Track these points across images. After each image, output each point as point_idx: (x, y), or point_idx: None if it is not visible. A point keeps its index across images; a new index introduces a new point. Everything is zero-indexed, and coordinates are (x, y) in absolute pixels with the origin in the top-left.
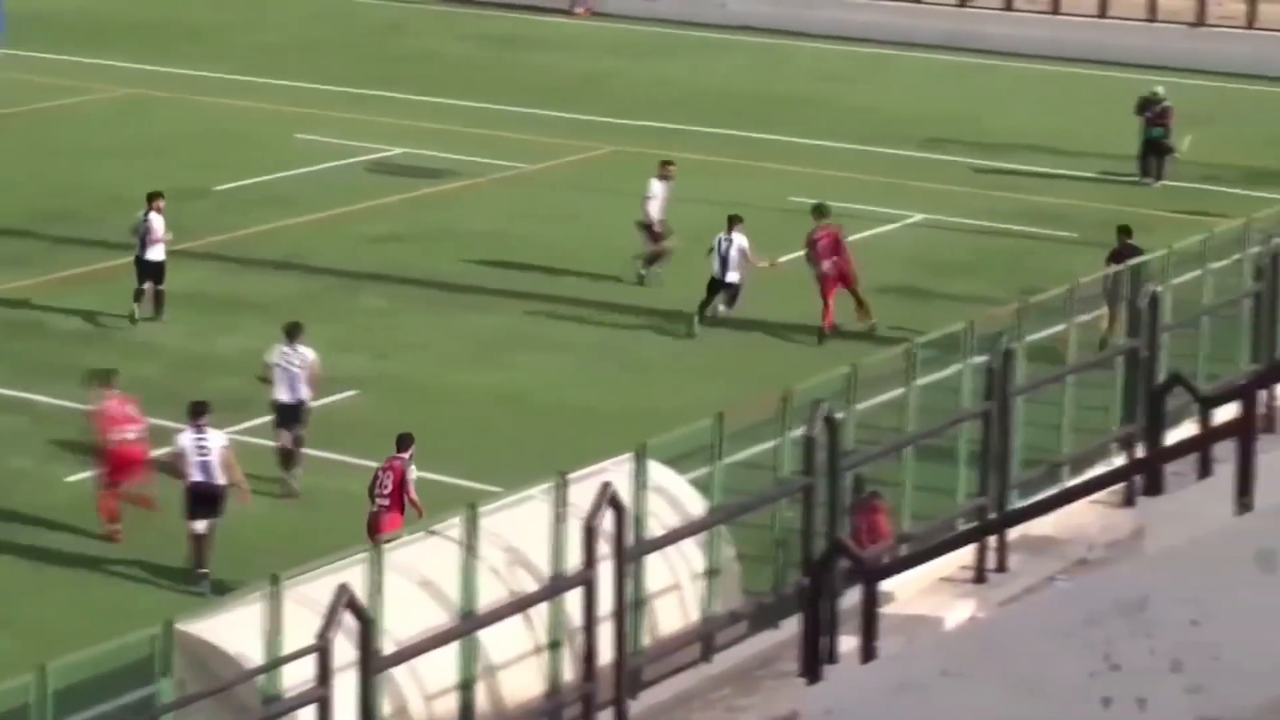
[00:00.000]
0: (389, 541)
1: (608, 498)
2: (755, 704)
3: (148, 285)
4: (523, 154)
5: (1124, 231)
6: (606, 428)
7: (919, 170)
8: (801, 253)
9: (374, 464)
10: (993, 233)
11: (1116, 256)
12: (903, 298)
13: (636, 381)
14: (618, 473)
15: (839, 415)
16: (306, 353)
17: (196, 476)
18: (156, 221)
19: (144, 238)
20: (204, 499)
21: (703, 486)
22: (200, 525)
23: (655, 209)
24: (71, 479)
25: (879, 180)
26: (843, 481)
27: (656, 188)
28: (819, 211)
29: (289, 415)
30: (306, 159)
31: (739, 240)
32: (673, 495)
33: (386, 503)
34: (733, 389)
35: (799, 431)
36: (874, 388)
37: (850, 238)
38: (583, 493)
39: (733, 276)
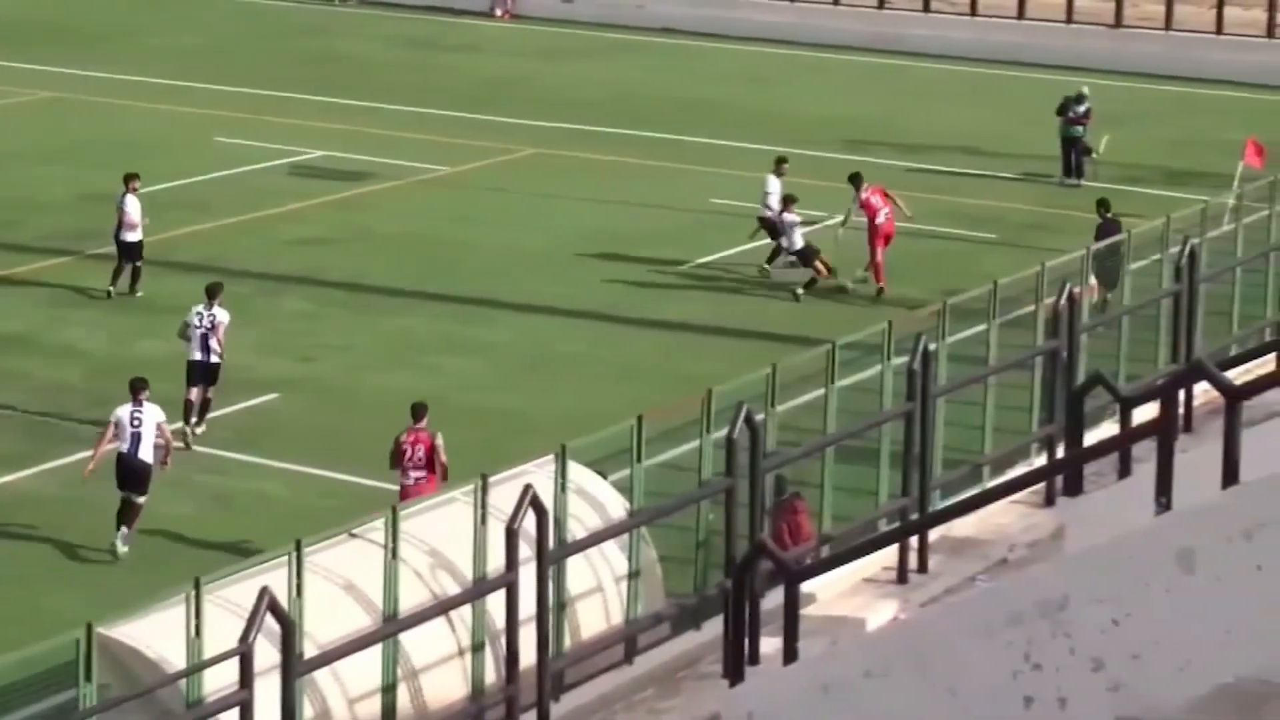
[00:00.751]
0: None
1: (529, 500)
2: (678, 705)
3: (126, 265)
4: (443, 156)
5: (1103, 205)
6: (527, 430)
7: (841, 172)
8: (744, 249)
9: (295, 467)
10: (914, 233)
11: (1102, 233)
12: (824, 299)
13: (556, 384)
14: (539, 475)
15: (760, 416)
16: (220, 313)
17: (125, 447)
18: (131, 204)
19: (120, 219)
20: (131, 472)
21: (624, 488)
22: (139, 499)
23: (775, 203)
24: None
25: (800, 182)
26: (764, 483)
27: (774, 184)
28: (858, 179)
29: (200, 373)
30: (226, 162)
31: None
32: (594, 497)
33: (423, 474)
34: (653, 390)
35: (720, 433)
36: (795, 389)
37: (770, 240)
38: (504, 495)
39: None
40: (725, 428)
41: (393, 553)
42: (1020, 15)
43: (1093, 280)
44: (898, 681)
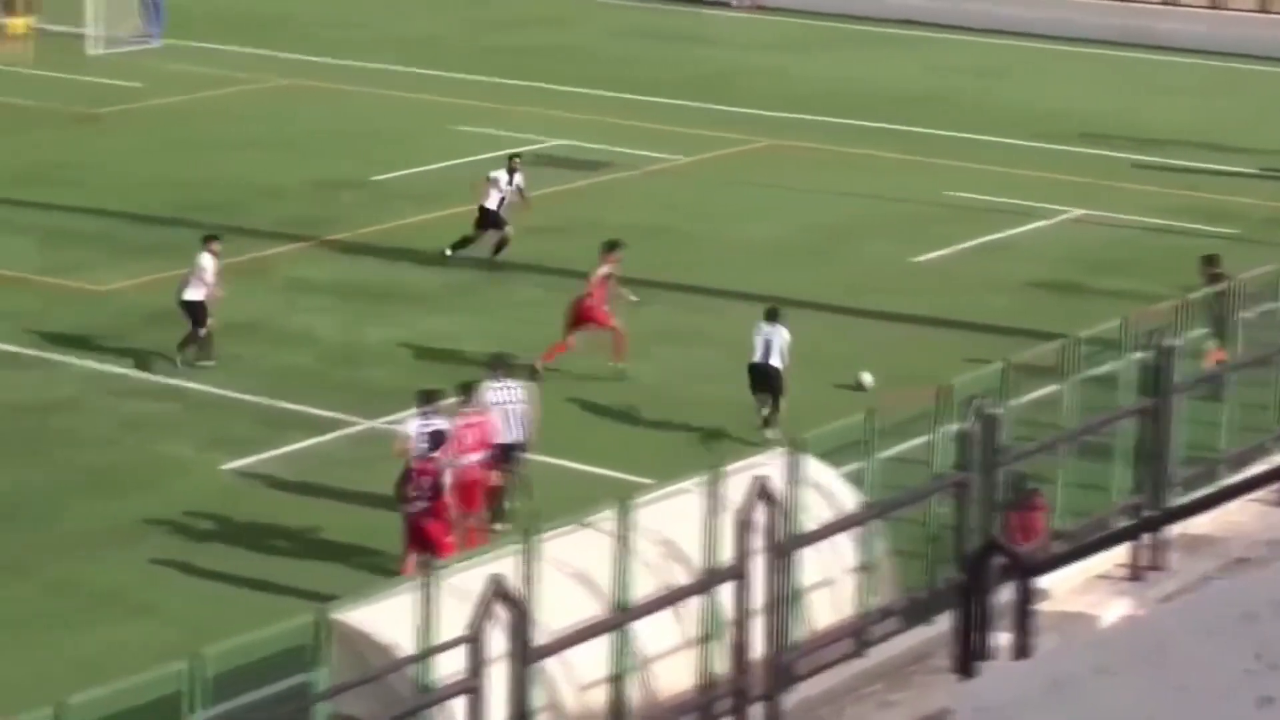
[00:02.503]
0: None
1: (762, 491)
2: (907, 699)
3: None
4: (679, 146)
5: (1210, 261)
6: (756, 420)
7: (1077, 165)
8: (980, 241)
9: (527, 456)
10: (1152, 229)
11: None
12: (1060, 293)
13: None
14: (771, 467)
15: (994, 411)
16: (520, 389)
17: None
18: (206, 262)
19: (190, 276)
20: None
21: (856, 481)
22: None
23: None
24: (227, 466)
25: (1037, 175)
26: (998, 477)
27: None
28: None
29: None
30: (462, 151)
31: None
32: (827, 490)
33: (426, 505)
34: (883, 384)
35: (953, 427)
36: (1028, 384)
37: (1007, 233)
38: (736, 486)
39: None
40: (958, 422)
41: (624, 542)
42: (1262, 9)
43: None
44: (1129, 679)
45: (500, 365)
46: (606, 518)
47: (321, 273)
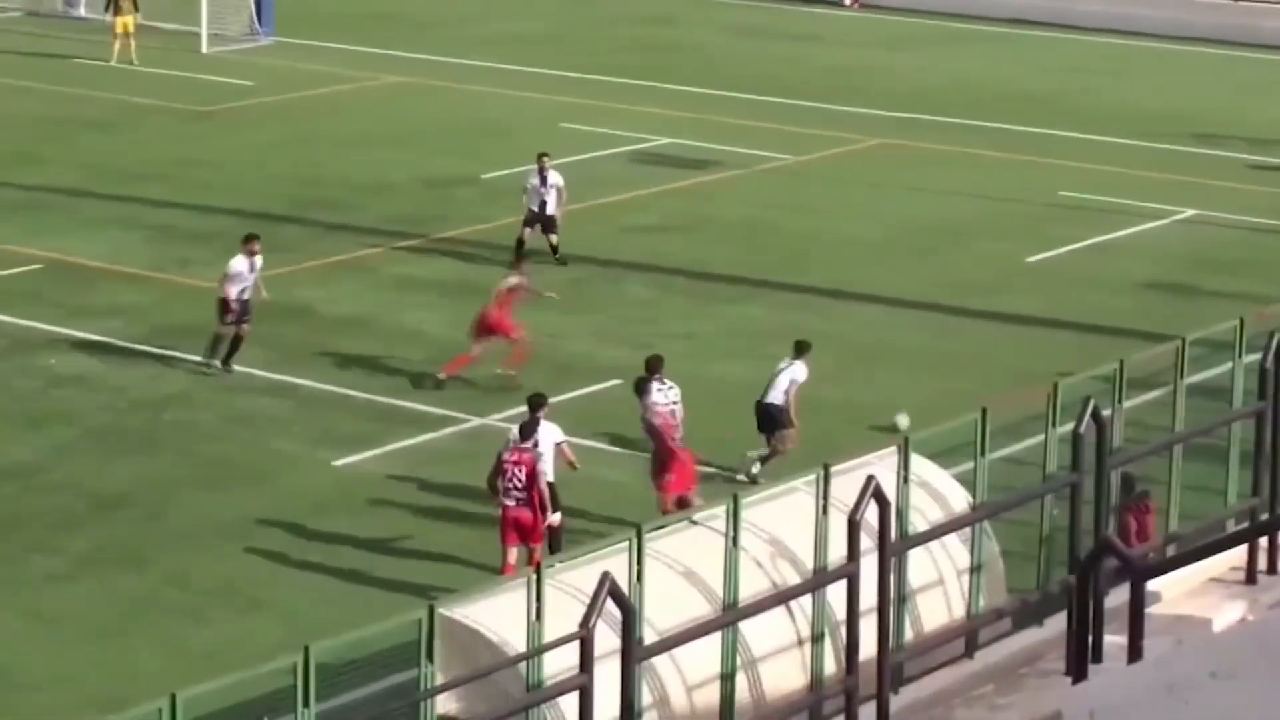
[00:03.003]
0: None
1: (872, 491)
2: (1018, 701)
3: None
4: (787, 145)
5: None
6: (864, 421)
7: (1191, 165)
8: (1092, 241)
9: (636, 453)
10: (1266, 229)
11: None
12: (1172, 294)
13: (894, 375)
14: (881, 466)
15: (1106, 412)
16: (676, 389)
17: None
18: (238, 264)
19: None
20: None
21: (967, 482)
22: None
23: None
24: (338, 462)
25: (1150, 175)
26: (1110, 479)
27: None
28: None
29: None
30: (571, 148)
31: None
32: (936, 490)
33: (524, 496)
34: (991, 384)
35: (1065, 428)
36: (1140, 385)
37: (1119, 233)
38: (846, 486)
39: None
40: (1070, 423)
41: (733, 541)
42: None
43: None
44: (1244, 683)
45: (659, 366)
46: (717, 516)
47: (431, 270)
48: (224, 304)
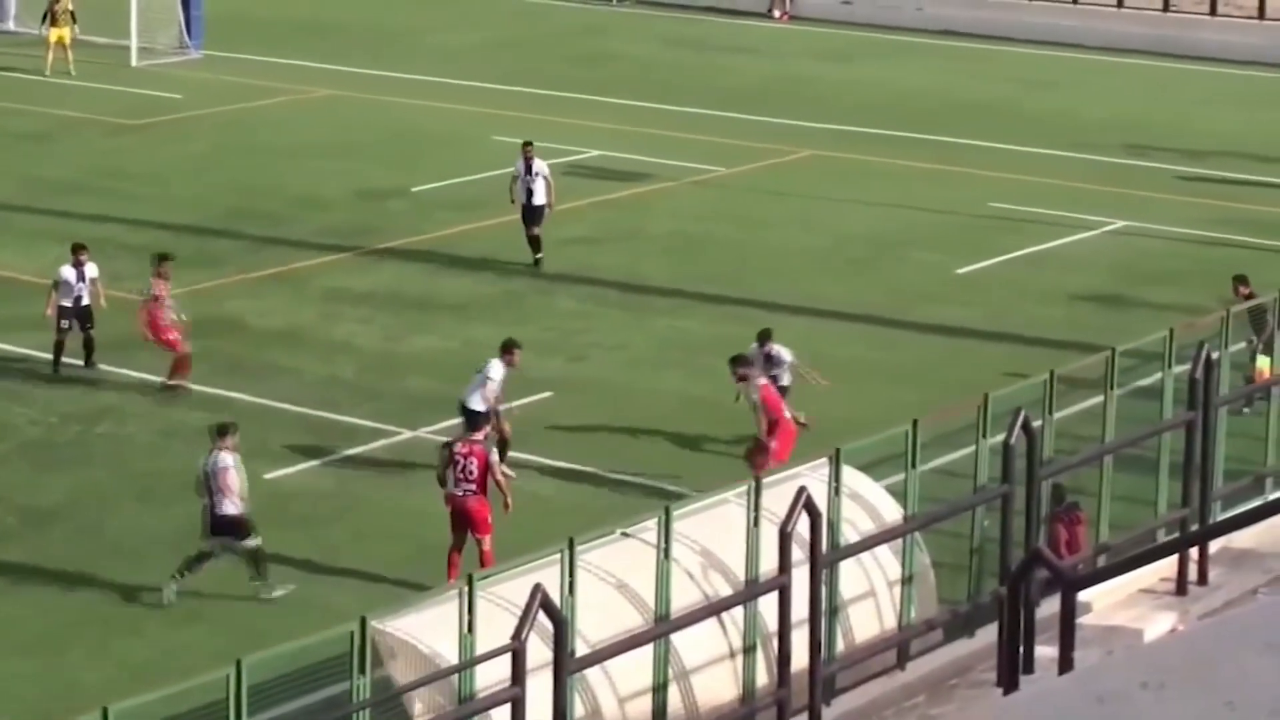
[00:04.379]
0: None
1: (803, 503)
2: (950, 713)
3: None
4: (719, 157)
5: (1240, 280)
6: (800, 433)
7: (1120, 176)
8: (1024, 252)
9: (568, 465)
10: (1196, 240)
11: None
12: (1102, 305)
13: (830, 387)
14: (813, 478)
15: (1037, 423)
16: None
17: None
18: (66, 272)
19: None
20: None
21: (898, 493)
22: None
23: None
24: (270, 476)
25: (1080, 186)
26: (1041, 490)
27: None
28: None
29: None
30: (504, 161)
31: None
32: (868, 501)
33: (473, 488)
34: (926, 395)
35: (996, 439)
36: (1071, 396)
37: (1050, 244)
38: (777, 497)
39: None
40: (1001, 434)
41: (665, 553)
42: None
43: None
44: (1175, 694)
45: (769, 336)
46: (648, 528)
47: (363, 282)
48: (59, 312)
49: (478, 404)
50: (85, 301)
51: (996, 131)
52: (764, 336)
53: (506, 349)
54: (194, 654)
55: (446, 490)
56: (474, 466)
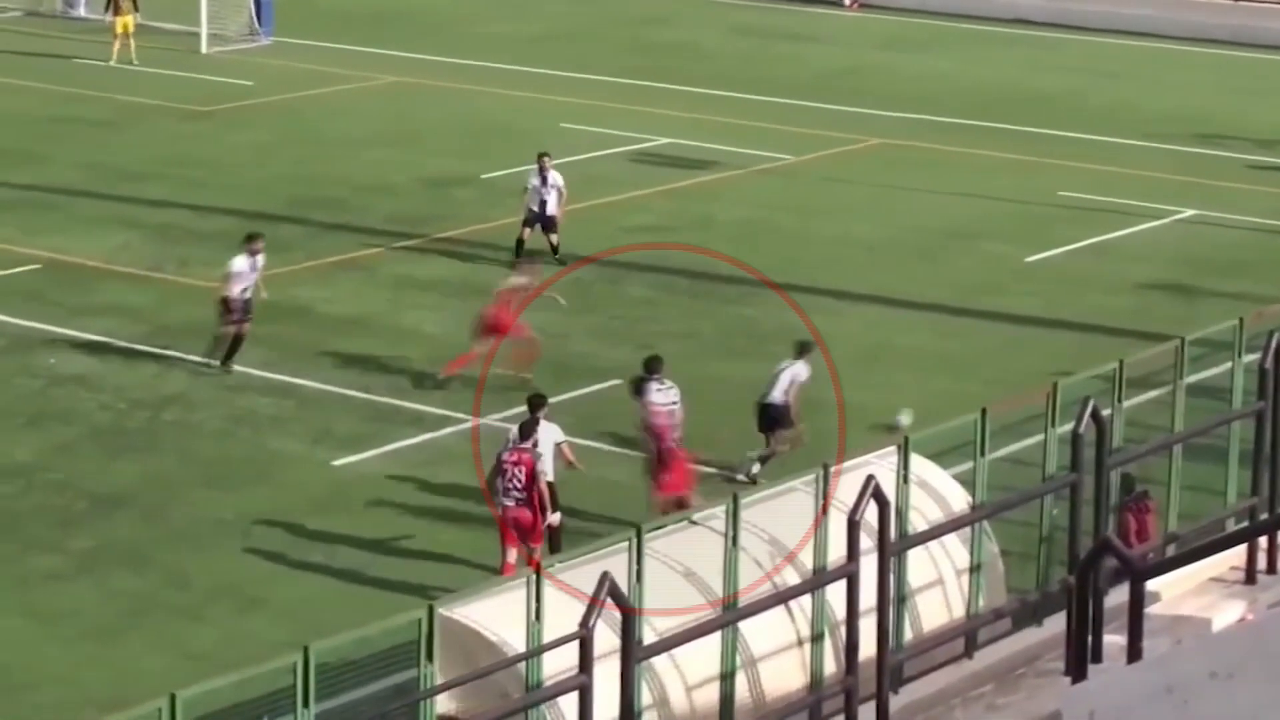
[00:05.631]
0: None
1: (872, 491)
2: (1017, 702)
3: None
4: (787, 146)
5: None
6: (866, 422)
7: (1191, 165)
8: (1095, 240)
9: (637, 454)
10: (1266, 230)
11: None
12: (1172, 294)
13: (895, 376)
14: (881, 466)
15: (1106, 412)
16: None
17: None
18: (234, 262)
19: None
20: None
21: (966, 482)
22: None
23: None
24: (338, 463)
25: (1150, 175)
26: (1109, 479)
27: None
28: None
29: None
30: (571, 148)
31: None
32: (936, 490)
33: (523, 496)
34: (993, 384)
35: (1065, 428)
36: (1141, 385)
37: (1119, 233)
38: (845, 485)
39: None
40: (1069, 423)
41: (733, 540)
42: None
43: None
44: (1243, 683)
45: (658, 367)
46: (716, 515)
47: (432, 270)
48: (226, 303)
49: (779, 399)
50: (249, 294)
51: (1067, 120)
52: (652, 365)
53: (804, 350)
54: (257, 642)
55: (497, 500)
56: (522, 475)
